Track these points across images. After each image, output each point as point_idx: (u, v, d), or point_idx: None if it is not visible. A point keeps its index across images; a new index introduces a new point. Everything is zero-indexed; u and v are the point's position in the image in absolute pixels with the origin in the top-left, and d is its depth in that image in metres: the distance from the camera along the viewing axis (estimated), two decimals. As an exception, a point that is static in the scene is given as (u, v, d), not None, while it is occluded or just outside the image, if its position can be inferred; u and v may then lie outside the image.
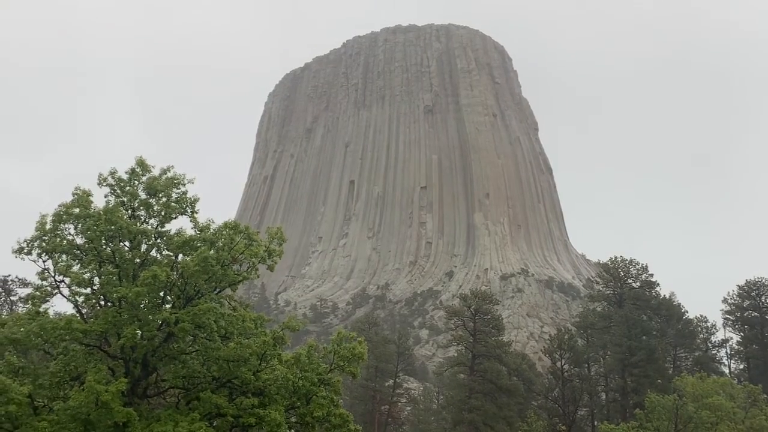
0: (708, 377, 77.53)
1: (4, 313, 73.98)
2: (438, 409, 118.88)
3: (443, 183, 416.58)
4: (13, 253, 35.07)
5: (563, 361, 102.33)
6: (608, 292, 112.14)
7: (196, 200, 37.38)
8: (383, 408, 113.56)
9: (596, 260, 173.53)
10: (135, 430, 30.89)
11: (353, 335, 38.77)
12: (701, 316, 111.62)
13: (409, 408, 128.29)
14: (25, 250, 35.11)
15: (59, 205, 35.51)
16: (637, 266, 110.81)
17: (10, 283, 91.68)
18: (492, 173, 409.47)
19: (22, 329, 32.83)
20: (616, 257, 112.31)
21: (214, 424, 32.93)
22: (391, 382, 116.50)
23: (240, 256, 35.85)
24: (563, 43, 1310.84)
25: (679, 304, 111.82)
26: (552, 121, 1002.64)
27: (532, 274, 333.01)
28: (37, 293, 34.70)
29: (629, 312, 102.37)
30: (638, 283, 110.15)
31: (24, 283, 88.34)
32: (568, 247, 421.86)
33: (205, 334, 34.15)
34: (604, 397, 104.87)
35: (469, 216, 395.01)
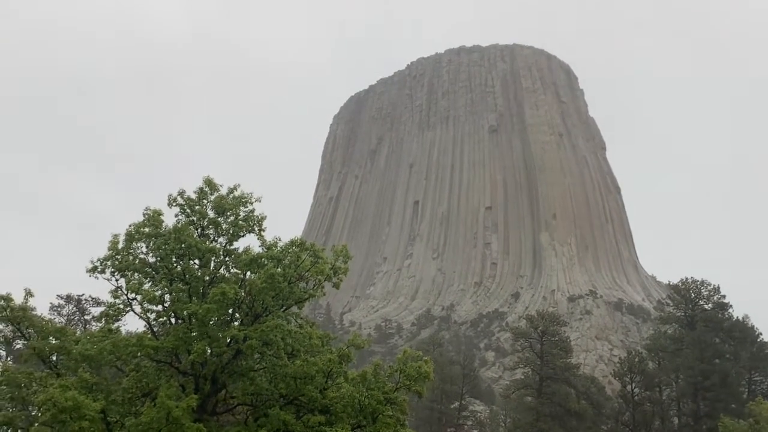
0: (786, 402, 74.74)
1: (78, 332, 75.85)
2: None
3: (508, 203, 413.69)
4: (87, 272, 35.86)
5: (633, 385, 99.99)
6: (679, 314, 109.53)
7: (263, 218, 37.80)
8: (449, 430, 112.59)
9: (667, 281, 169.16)
10: (205, 445, 31.24)
11: (419, 354, 38.59)
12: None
13: (475, 431, 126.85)
14: (99, 269, 35.88)
15: (130, 225, 36.34)
16: (708, 287, 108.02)
17: (84, 302, 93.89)
18: (558, 193, 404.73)
19: (95, 346, 33.54)
20: (687, 278, 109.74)
21: (282, 441, 33.04)
22: (456, 404, 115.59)
23: (306, 274, 36.05)
24: (631, 60, 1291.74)
25: (753, 327, 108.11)
26: (621, 139, 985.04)
27: (601, 296, 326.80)
28: (110, 311, 35.46)
29: (701, 334, 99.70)
30: (710, 305, 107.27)
31: (97, 302, 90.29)
32: (637, 268, 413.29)
33: (272, 352, 34.38)
34: (676, 421, 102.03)
35: (535, 236, 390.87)
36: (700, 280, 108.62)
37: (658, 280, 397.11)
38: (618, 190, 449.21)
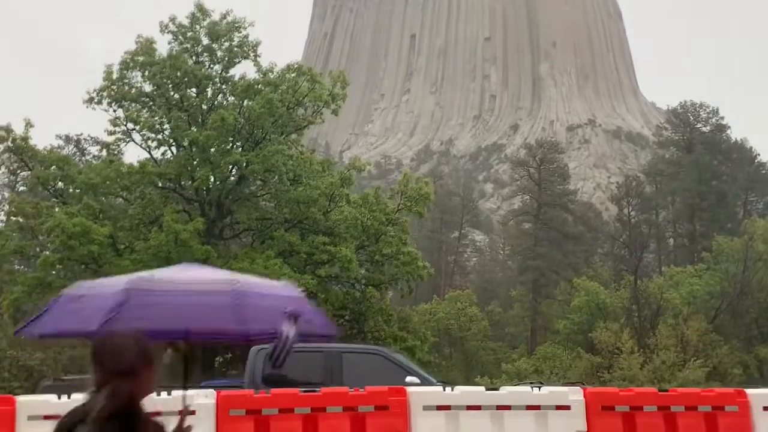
0: (780, 219, 76.11)
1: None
2: (503, 259, 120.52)
3: (507, 33, 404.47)
4: (84, 103, 35.63)
5: (630, 208, 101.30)
6: (677, 137, 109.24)
7: (257, 44, 37.15)
8: (449, 258, 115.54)
9: (666, 107, 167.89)
10: (214, 266, 32.06)
11: (420, 177, 39.10)
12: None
13: (474, 258, 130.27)
14: (96, 100, 35.63)
15: (125, 53, 35.74)
16: (707, 110, 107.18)
17: (83, 142, 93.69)
18: (558, 21, 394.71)
19: (98, 175, 33.80)
20: (685, 101, 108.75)
21: (288, 261, 33.93)
22: (456, 234, 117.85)
23: (304, 99, 35.86)
24: None
25: (752, 148, 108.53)
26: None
27: (600, 125, 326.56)
28: (111, 139, 35.52)
29: (699, 157, 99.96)
30: (708, 127, 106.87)
31: (96, 142, 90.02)
32: (637, 95, 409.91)
33: (275, 178, 34.77)
34: (672, 242, 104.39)
35: (534, 67, 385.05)
36: (699, 102, 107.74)
37: (657, 106, 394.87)
38: (619, 14, 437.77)
